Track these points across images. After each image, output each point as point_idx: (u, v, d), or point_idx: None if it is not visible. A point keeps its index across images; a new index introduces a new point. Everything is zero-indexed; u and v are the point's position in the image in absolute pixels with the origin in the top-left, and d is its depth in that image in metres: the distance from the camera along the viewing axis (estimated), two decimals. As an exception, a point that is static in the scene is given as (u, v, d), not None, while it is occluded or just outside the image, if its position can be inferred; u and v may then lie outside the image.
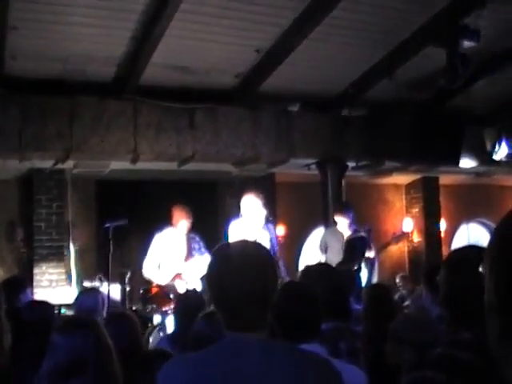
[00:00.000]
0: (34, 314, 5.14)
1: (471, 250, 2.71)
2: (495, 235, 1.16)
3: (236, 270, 2.16)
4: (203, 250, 7.87)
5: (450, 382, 2.22)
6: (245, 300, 2.13)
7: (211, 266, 2.27)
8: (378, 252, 8.76)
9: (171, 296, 7.56)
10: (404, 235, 9.72)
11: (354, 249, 7.68)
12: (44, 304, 5.48)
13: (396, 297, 9.26)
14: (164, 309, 7.55)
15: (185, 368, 2.18)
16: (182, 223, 7.85)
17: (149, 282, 7.93)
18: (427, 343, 3.70)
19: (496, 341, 1.13)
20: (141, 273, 9.40)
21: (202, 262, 7.59)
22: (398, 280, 10.48)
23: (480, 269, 2.24)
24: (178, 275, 7.70)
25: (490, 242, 1.16)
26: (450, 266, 2.49)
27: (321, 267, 4.69)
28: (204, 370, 2.12)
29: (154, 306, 7.70)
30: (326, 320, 3.82)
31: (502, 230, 1.16)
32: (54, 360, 3.24)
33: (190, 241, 7.86)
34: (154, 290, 7.74)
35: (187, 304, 5.20)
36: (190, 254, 7.86)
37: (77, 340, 3.13)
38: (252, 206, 7.18)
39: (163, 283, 7.70)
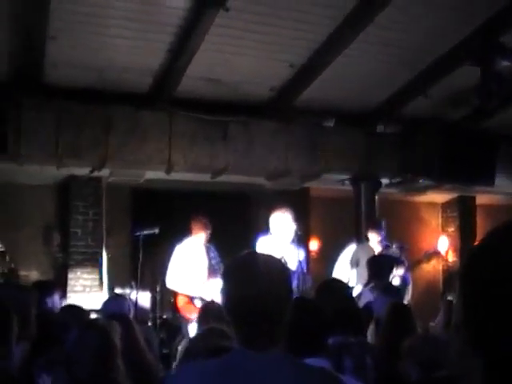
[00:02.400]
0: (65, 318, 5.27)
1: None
2: (465, 258, 1.20)
3: (248, 285, 2.13)
4: (218, 259, 7.99)
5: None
6: (255, 317, 2.10)
7: (224, 280, 2.25)
8: (409, 270, 8.68)
9: (196, 303, 7.65)
10: (435, 253, 9.54)
11: (378, 266, 7.64)
12: (75, 309, 5.62)
13: None
14: (189, 316, 7.62)
15: (190, 376, 2.17)
16: (201, 234, 7.97)
17: (174, 292, 8.02)
18: (436, 364, 3.69)
19: (457, 355, 1.17)
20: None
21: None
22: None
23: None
24: (203, 284, 7.77)
25: (460, 264, 1.21)
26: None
27: (335, 283, 4.71)
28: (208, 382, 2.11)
29: (179, 315, 7.79)
30: (335, 334, 3.84)
31: (470, 253, 1.19)
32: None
33: (207, 250, 7.97)
34: (180, 298, 7.82)
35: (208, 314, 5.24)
36: (210, 264, 7.96)
37: (83, 340, 3.26)
38: (281, 221, 7.18)
39: (188, 292, 7.78)
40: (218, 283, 7.78)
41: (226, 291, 2.22)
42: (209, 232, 7.97)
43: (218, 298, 7.62)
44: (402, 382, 3.97)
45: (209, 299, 7.59)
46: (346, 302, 4.41)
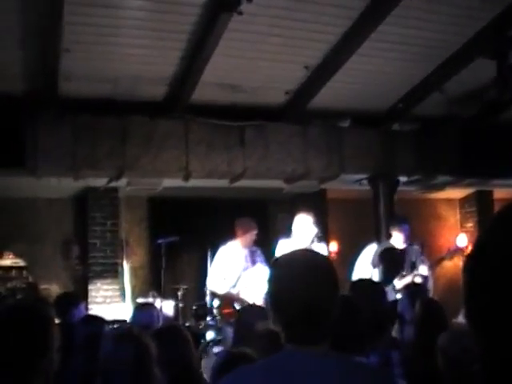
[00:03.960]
0: (85, 329, 5.25)
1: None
2: (470, 252, 1.19)
3: (296, 281, 2.13)
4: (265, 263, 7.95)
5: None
6: (304, 313, 2.10)
7: (271, 278, 2.26)
8: (432, 268, 8.56)
9: (236, 306, 7.64)
10: (458, 251, 9.34)
11: (391, 261, 7.54)
12: (96, 319, 5.60)
13: None
14: (231, 320, 7.61)
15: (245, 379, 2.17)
16: (247, 236, 7.89)
17: (214, 295, 8.00)
18: (469, 359, 3.67)
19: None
20: (193, 289, 9.51)
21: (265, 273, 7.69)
22: None
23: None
24: (244, 286, 7.76)
25: (465, 258, 1.19)
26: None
27: (365, 282, 4.68)
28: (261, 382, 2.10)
29: (219, 318, 7.76)
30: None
31: (475, 246, 1.18)
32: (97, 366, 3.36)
33: (253, 254, 7.92)
34: (224, 301, 7.81)
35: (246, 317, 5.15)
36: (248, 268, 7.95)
37: (119, 351, 3.23)
38: (303, 224, 7.18)
39: (229, 295, 7.77)
40: (256, 273, 7.78)
41: (272, 287, 2.22)
42: (253, 233, 7.89)
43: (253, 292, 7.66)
44: (435, 379, 3.94)
45: (249, 302, 7.61)
46: (377, 300, 4.37)
